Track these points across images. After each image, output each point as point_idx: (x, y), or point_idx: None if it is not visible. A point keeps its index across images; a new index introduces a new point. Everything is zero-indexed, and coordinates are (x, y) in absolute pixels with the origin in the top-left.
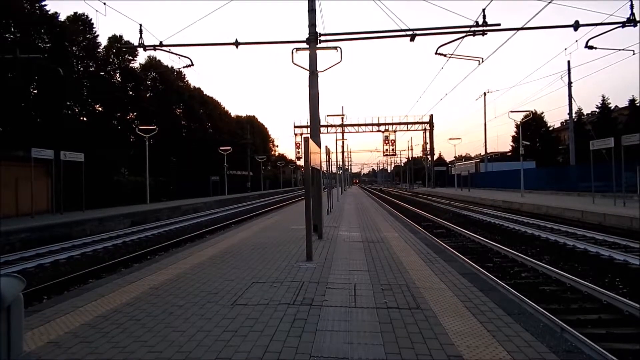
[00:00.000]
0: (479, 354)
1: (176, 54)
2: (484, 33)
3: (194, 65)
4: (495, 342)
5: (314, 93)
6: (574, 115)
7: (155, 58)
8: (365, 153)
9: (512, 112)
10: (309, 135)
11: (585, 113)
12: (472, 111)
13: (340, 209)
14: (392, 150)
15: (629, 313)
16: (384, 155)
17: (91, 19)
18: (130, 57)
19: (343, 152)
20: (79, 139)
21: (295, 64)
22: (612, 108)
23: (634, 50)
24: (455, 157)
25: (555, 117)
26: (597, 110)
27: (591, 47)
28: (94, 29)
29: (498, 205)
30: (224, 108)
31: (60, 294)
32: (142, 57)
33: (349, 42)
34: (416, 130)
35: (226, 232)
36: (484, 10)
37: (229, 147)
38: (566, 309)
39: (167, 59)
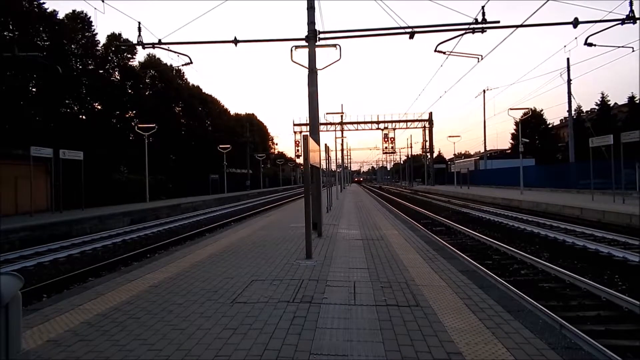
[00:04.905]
0: (478, 350)
1: (175, 52)
2: (483, 30)
3: (193, 64)
4: (494, 339)
5: (313, 91)
6: (573, 112)
7: (154, 56)
8: (364, 151)
9: (511, 109)
10: (308, 133)
11: (584, 110)
12: (471, 109)
13: (339, 206)
14: (392, 148)
15: (629, 310)
16: (383, 153)
17: (90, 17)
18: (129, 56)
19: (342, 150)
20: (78, 138)
21: (294, 61)
22: (611, 105)
23: (633, 47)
24: (454, 154)
25: (554, 115)
26: (597, 107)
27: (590, 45)
28: (93, 27)
29: (497, 202)
30: (223, 106)
31: (59, 292)
32: (141, 55)
33: (348, 39)
34: (415, 127)
35: (226, 230)
36: (483, 7)
37: (229, 146)
38: (565, 306)
39: (166, 57)
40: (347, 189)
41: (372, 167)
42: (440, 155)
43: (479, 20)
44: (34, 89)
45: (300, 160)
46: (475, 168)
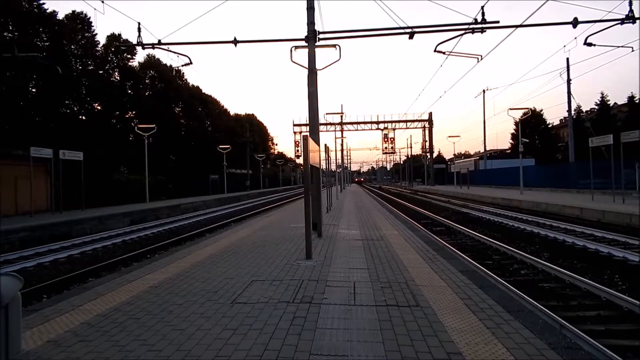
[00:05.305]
0: (478, 351)
1: (175, 52)
2: (482, 30)
3: (192, 64)
4: (494, 339)
5: (312, 91)
6: (573, 112)
7: (154, 56)
8: (364, 151)
9: (511, 109)
10: (308, 134)
11: (584, 110)
12: (471, 109)
13: (339, 207)
14: (392, 148)
15: (629, 309)
16: (383, 153)
17: (89, 18)
18: (129, 56)
19: (342, 150)
20: (78, 138)
21: (294, 62)
22: (611, 105)
23: (632, 47)
24: (454, 154)
25: (554, 115)
26: (596, 107)
27: (590, 44)
28: (93, 28)
29: (497, 202)
30: (223, 106)
31: (59, 293)
32: (140, 55)
33: (347, 40)
34: (415, 128)
35: (226, 231)
36: (482, 7)
37: (228, 146)
38: (565, 306)
39: (165, 57)
40: (347, 189)
41: (372, 167)
42: (440, 155)
43: (479, 20)
44: (34, 89)
45: (300, 161)
46: (475, 168)
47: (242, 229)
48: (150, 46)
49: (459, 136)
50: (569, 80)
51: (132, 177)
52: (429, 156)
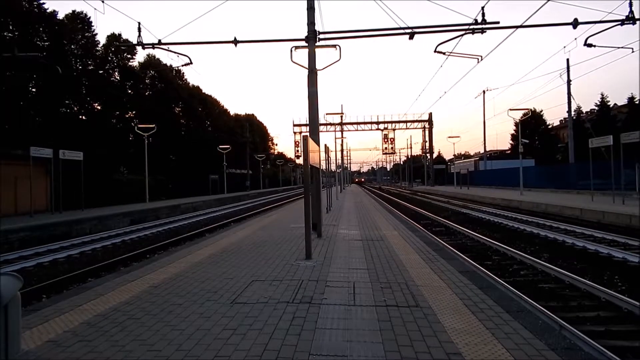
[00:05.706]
0: (478, 351)
1: (175, 52)
2: (483, 31)
3: (192, 64)
4: (494, 339)
5: (313, 91)
6: (573, 113)
7: (154, 56)
8: (364, 151)
9: (511, 110)
10: (308, 134)
11: (584, 111)
12: (471, 109)
13: (339, 207)
14: (392, 148)
15: (628, 310)
16: (383, 154)
17: (90, 17)
18: (129, 56)
19: (342, 150)
20: (78, 138)
21: (294, 62)
22: (611, 106)
23: (632, 48)
24: (454, 155)
25: (554, 115)
26: (596, 108)
27: (590, 45)
28: (93, 28)
29: (497, 203)
30: (223, 106)
31: (59, 293)
32: (140, 55)
33: (348, 40)
34: (415, 128)
35: (225, 231)
36: (483, 8)
37: (228, 146)
38: (565, 307)
39: (166, 57)
40: (346, 190)
41: (372, 167)
42: (440, 156)
43: (479, 20)
44: (34, 89)
45: (300, 161)
46: (475, 169)
47: (242, 229)
48: (151, 46)
49: (459, 137)
50: (569, 81)
51: (132, 177)
52: (428, 157)
